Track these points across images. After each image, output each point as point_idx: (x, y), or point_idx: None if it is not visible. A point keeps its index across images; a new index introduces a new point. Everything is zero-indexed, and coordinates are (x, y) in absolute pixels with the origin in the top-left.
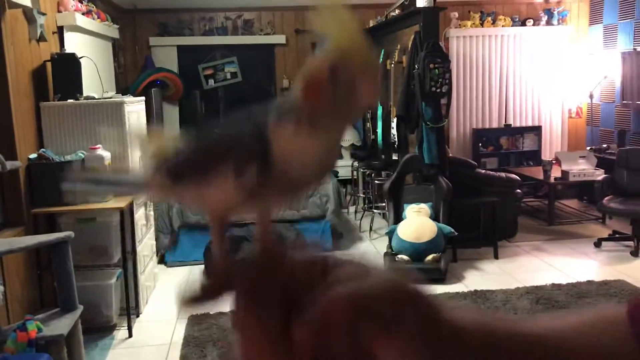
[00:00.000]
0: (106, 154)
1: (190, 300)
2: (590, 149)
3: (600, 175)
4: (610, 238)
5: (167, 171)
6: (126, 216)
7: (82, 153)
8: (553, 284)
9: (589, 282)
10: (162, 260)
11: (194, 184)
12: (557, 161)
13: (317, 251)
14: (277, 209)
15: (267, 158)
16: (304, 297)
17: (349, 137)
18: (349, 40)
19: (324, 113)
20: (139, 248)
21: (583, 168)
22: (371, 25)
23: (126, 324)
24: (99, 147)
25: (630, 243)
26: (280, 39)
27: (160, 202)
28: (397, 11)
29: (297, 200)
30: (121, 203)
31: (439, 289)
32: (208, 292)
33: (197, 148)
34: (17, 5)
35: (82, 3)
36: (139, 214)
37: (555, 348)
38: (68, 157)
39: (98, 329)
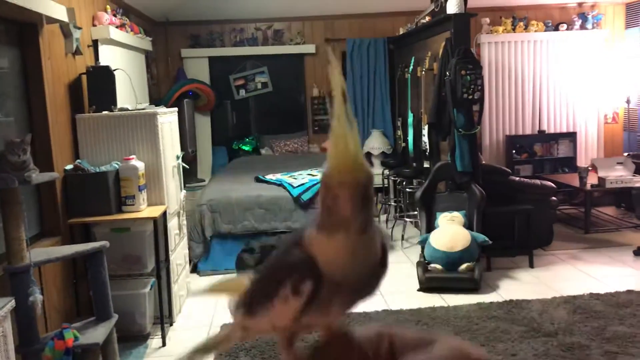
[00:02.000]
0: (140, 165)
1: None
2: (628, 155)
3: (638, 181)
4: None
5: (243, 308)
6: (159, 225)
7: (117, 164)
8: (591, 294)
9: (629, 292)
10: (194, 269)
11: (263, 310)
12: (594, 168)
13: (379, 326)
14: (342, 312)
15: (318, 274)
16: None
17: (380, 145)
18: (335, 157)
19: (325, 217)
20: (172, 257)
21: (620, 174)
22: (401, 32)
23: (160, 333)
24: (132, 158)
25: None
26: (310, 48)
27: (194, 214)
28: (427, 18)
29: (357, 303)
30: (155, 213)
31: (473, 299)
32: None
33: (259, 280)
34: (55, 21)
35: (116, 17)
36: (172, 223)
37: None
38: (103, 168)
39: (132, 337)
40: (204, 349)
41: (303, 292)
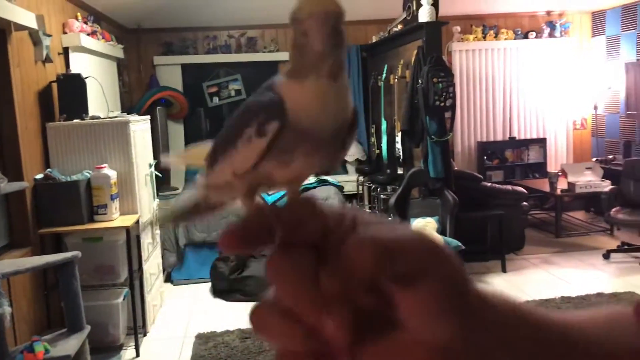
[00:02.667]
0: (112, 173)
1: (227, 234)
2: (596, 160)
3: (607, 186)
4: (619, 249)
5: (207, 166)
6: (132, 235)
7: (88, 172)
8: (562, 297)
9: (599, 295)
10: (168, 279)
11: (224, 157)
12: (563, 173)
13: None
14: (306, 167)
15: (283, 113)
16: (334, 244)
17: (354, 152)
18: None
19: (296, 57)
20: (145, 267)
21: (589, 179)
22: (374, 40)
23: (133, 344)
24: (104, 167)
25: (639, 254)
26: (284, 56)
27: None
28: (399, 26)
29: (321, 161)
30: (127, 222)
31: None
32: (240, 230)
33: (225, 128)
34: (23, 28)
35: (87, 24)
36: (145, 233)
37: (577, 330)
38: (74, 177)
39: (105, 348)
40: (173, 216)
41: (268, 132)
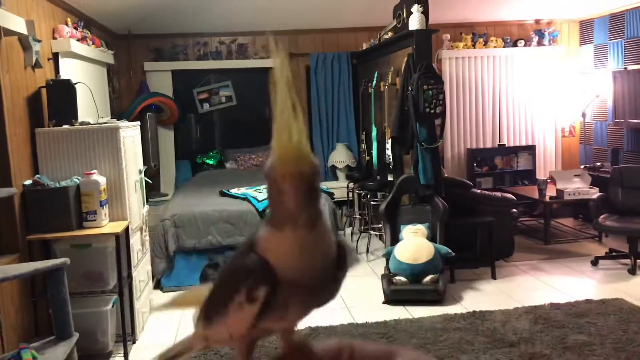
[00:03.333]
0: (101, 179)
1: None
2: (584, 167)
3: (595, 193)
4: (607, 256)
5: (202, 319)
6: (122, 241)
7: (77, 178)
8: (551, 304)
9: (588, 301)
10: (157, 286)
11: (219, 319)
12: (552, 180)
13: (340, 340)
14: (301, 315)
15: (269, 275)
16: None
17: (344, 159)
18: (278, 149)
19: (275, 211)
20: (134, 273)
21: (578, 187)
22: (364, 47)
23: (122, 351)
24: (94, 173)
25: (627, 261)
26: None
27: (156, 228)
28: (389, 34)
29: (316, 305)
30: (117, 228)
31: (437, 311)
32: None
33: (215, 288)
34: (13, 33)
35: (77, 29)
36: (135, 239)
37: None
38: (63, 183)
39: (94, 356)
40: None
41: (257, 298)
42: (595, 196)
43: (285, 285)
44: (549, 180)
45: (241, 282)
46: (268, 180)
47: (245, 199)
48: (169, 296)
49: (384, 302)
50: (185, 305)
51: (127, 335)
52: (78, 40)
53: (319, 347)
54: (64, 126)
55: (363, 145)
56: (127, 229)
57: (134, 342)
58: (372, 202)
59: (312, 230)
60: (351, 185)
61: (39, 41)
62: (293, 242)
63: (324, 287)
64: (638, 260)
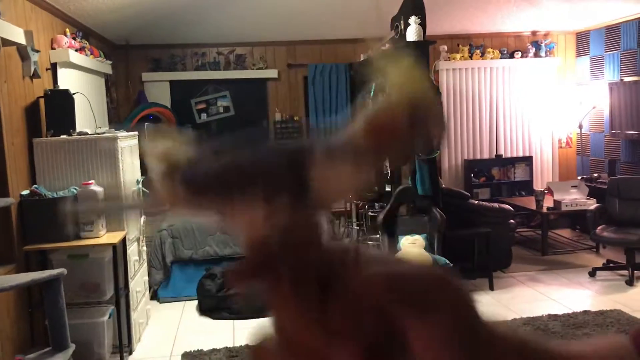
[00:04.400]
0: (99, 189)
1: (234, 272)
2: (582, 178)
3: (592, 204)
4: (604, 267)
5: (186, 182)
6: (119, 252)
7: (75, 189)
8: (549, 315)
9: (585, 312)
10: (154, 296)
11: (218, 200)
12: (549, 191)
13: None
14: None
15: (302, 189)
16: (339, 278)
17: None
18: (418, 88)
19: (385, 154)
20: (131, 284)
21: (575, 198)
22: (362, 59)
23: None
24: (92, 183)
25: (625, 272)
26: (272, 73)
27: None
28: (387, 45)
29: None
30: (114, 239)
31: None
32: (246, 267)
33: (224, 163)
34: (11, 43)
35: (75, 40)
36: (132, 250)
37: None
38: (61, 193)
39: None
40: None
41: (275, 205)
42: (592, 207)
43: (308, 201)
44: (546, 191)
45: (267, 177)
46: (410, 120)
47: None
48: (165, 306)
49: None
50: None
51: (123, 346)
52: (76, 50)
53: (326, 240)
54: (62, 136)
55: None
56: (124, 240)
57: (130, 353)
58: (369, 213)
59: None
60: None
61: (38, 51)
62: (362, 176)
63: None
64: (636, 272)
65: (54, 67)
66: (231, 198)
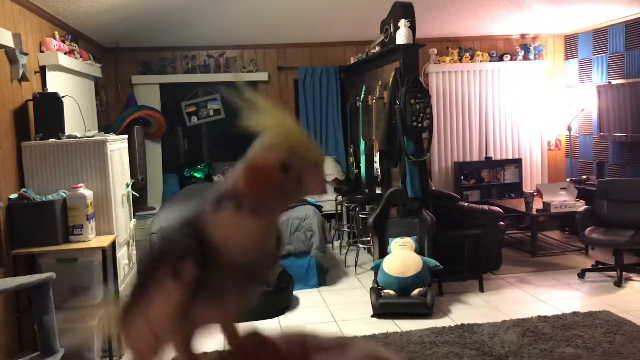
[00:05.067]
0: (88, 193)
1: None
2: (570, 180)
3: (581, 206)
4: (593, 269)
5: (120, 321)
6: (108, 256)
7: (64, 192)
8: (539, 316)
9: (575, 314)
10: None
11: (140, 310)
12: (539, 193)
13: (293, 332)
14: (238, 303)
15: (204, 250)
16: None
17: (332, 172)
18: (294, 137)
19: (266, 201)
20: (121, 288)
21: (564, 199)
22: (352, 61)
23: None
24: (81, 186)
25: (614, 273)
26: (262, 76)
27: (142, 240)
28: (377, 48)
29: (255, 290)
30: (103, 242)
31: (425, 324)
32: None
33: (135, 277)
34: (0, 46)
35: (64, 42)
36: (121, 253)
37: None
38: (49, 197)
39: None
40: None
41: (184, 273)
42: (581, 209)
43: (225, 266)
44: (535, 193)
45: (167, 256)
46: (283, 168)
47: None
48: None
49: (372, 316)
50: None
51: (113, 350)
52: (65, 53)
53: (271, 337)
54: (51, 140)
55: (351, 159)
56: (113, 243)
57: (120, 358)
58: (360, 215)
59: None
60: (339, 198)
61: (26, 54)
62: (263, 228)
63: (264, 269)
64: (624, 273)
65: (42, 70)
66: (145, 295)
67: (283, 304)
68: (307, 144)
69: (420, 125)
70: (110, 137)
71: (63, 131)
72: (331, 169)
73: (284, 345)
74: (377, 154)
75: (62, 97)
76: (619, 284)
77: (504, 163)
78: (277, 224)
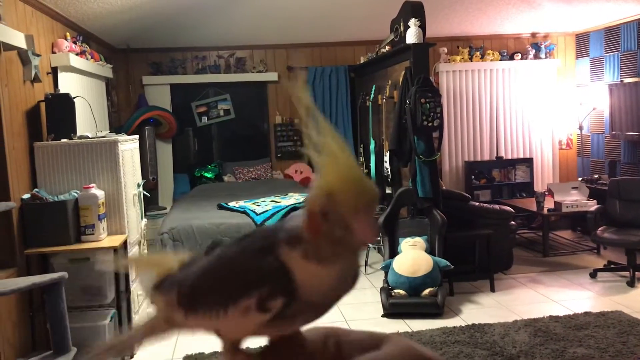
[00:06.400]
0: (100, 193)
1: None
2: (582, 179)
3: (593, 205)
4: (605, 269)
5: (179, 298)
6: (120, 255)
7: (76, 192)
8: (550, 316)
9: (587, 314)
10: None
11: (210, 312)
12: (550, 192)
13: (326, 327)
14: (300, 327)
15: (292, 292)
16: None
17: None
18: (342, 182)
19: (325, 248)
20: (133, 287)
21: (576, 199)
22: (362, 61)
23: None
24: (92, 186)
25: (626, 273)
26: (272, 76)
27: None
28: (387, 47)
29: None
30: (115, 242)
31: (436, 324)
32: None
33: (211, 273)
34: (12, 47)
35: (76, 44)
36: (133, 253)
37: None
38: (62, 197)
39: None
40: (120, 346)
41: (270, 310)
42: (593, 208)
43: (302, 302)
44: (546, 193)
45: (255, 286)
46: (322, 214)
47: (244, 212)
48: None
49: (382, 316)
50: (146, 268)
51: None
52: (77, 54)
53: (305, 335)
54: (63, 140)
55: (361, 158)
56: (125, 243)
57: (131, 357)
58: None
59: (354, 267)
60: None
61: (38, 55)
62: (337, 273)
63: (336, 303)
64: (637, 273)
65: (54, 71)
66: (222, 309)
67: None
68: (353, 189)
69: (430, 124)
70: (122, 137)
71: (75, 132)
72: None
73: (317, 346)
74: (387, 154)
75: (74, 97)
76: (631, 284)
77: (515, 162)
78: (354, 267)
